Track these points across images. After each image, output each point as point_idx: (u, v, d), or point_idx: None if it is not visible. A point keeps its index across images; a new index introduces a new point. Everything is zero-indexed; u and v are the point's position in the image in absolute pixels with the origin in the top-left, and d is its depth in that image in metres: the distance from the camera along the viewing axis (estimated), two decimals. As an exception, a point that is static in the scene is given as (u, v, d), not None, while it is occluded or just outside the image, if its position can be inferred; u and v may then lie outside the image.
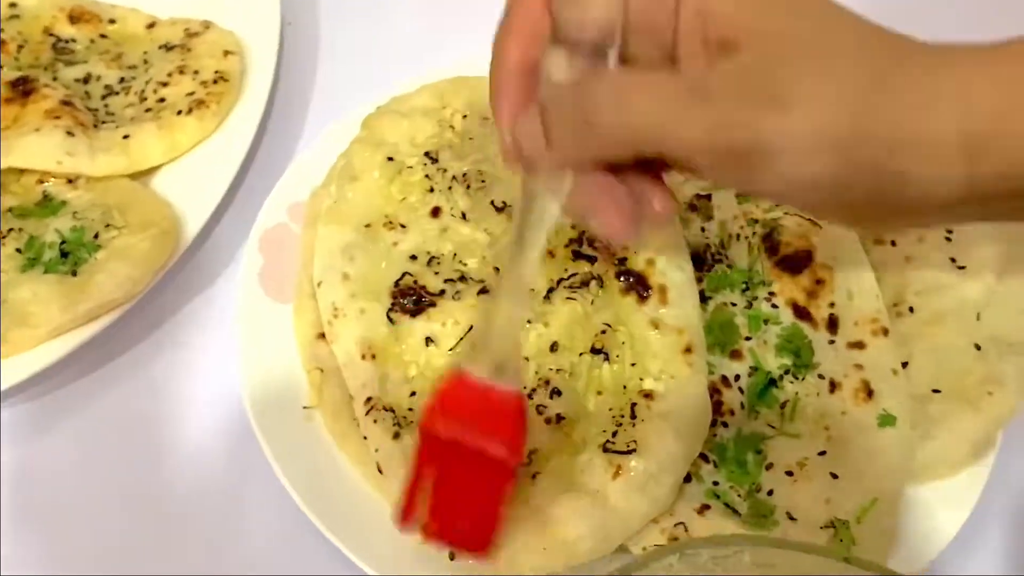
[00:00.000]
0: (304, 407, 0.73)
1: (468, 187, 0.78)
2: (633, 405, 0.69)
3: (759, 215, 0.78)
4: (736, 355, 0.73)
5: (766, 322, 0.74)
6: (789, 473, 0.69)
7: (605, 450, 0.67)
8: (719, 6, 0.50)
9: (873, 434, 0.70)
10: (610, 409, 0.70)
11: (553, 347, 0.72)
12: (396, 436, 0.68)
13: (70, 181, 0.83)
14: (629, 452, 0.66)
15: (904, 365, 0.73)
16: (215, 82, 0.86)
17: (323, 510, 0.68)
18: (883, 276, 0.76)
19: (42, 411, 0.79)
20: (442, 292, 0.74)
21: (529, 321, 0.72)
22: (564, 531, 0.65)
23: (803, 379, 0.72)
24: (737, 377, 0.72)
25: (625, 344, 0.72)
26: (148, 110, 0.86)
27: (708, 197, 0.79)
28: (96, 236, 0.79)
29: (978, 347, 0.72)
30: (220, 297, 0.83)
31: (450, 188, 0.78)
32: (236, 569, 0.72)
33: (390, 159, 0.80)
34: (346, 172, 0.80)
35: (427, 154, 0.80)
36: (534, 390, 0.71)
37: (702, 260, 0.76)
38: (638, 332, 0.72)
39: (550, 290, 0.73)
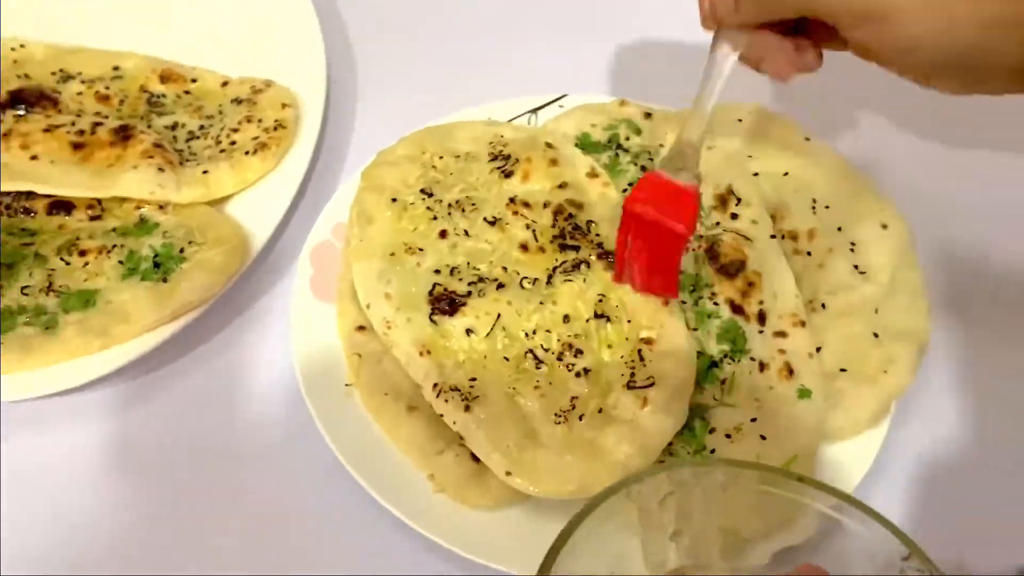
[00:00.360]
0: (345, 384, 0.81)
1: (463, 211, 0.86)
2: (639, 351, 0.78)
3: (703, 232, 0.85)
4: None
5: (709, 316, 0.82)
6: (728, 436, 0.77)
7: (629, 387, 0.76)
8: None
9: (793, 404, 0.78)
10: (622, 357, 0.78)
11: (565, 319, 0.79)
12: (467, 409, 0.75)
13: (161, 207, 0.91)
14: (649, 386, 0.76)
15: (818, 350, 0.80)
16: (275, 129, 0.94)
17: (358, 464, 0.76)
18: (801, 279, 0.83)
19: (137, 391, 0.86)
20: (468, 293, 0.81)
21: (541, 302, 0.80)
22: (616, 454, 0.73)
23: (738, 361, 0.80)
24: None
25: (618, 307, 0.80)
26: (222, 151, 0.93)
27: None
28: (182, 251, 0.87)
29: (876, 335, 0.79)
30: (278, 299, 0.91)
31: (449, 213, 0.85)
32: (287, 508, 0.80)
33: (394, 200, 0.87)
34: (362, 216, 0.86)
35: (422, 191, 0.87)
36: (561, 353, 0.78)
37: None
38: (625, 297, 0.80)
39: (550, 277, 0.81)
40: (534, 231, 0.85)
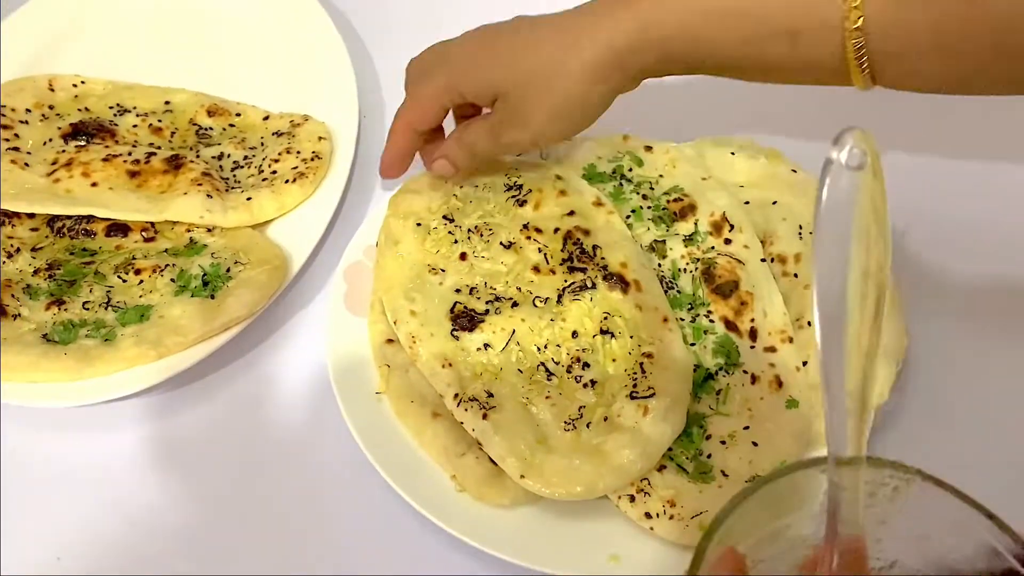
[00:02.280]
0: (376, 392, 0.85)
1: (481, 235, 0.90)
2: (640, 364, 0.82)
3: (699, 255, 0.90)
4: None
5: (705, 332, 0.86)
6: (723, 442, 0.80)
7: (632, 398, 0.79)
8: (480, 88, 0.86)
9: (782, 413, 0.81)
10: (625, 370, 0.82)
11: (573, 334, 0.84)
12: (484, 417, 0.79)
13: (209, 230, 0.95)
14: (650, 396, 0.79)
15: (804, 364, 0.83)
16: (312, 159, 0.98)
17: (388, 465, 0.80)
18: (789, 299, 0.87)
19: (186, 396, 0.90)
20: (486, 312, 0.85)
21: (552, 319, 0.84)
22: (619, 458, 0.76)
23: (732, 374, 0.83)
24: None
25: (621, 323, 0.84)
26: (265, 179, 0.98)
27: (663, 242, 0.91)
28: (228, 270, 0.90)
29: None
30: (314, 313, 0.95)
31: (468, 238, 0.90)
32: (318, 506, 0.83)
33: (418, 224, 0.92)
34: (389, 240, 0.92)
35: (444, 217, 0.93)
36: (570, 366, 0.83)
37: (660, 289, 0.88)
38: (628, 314, 0.84)
39: (560, 296, 0.86)
40: (545, 254, 0.90)
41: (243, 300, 0.89)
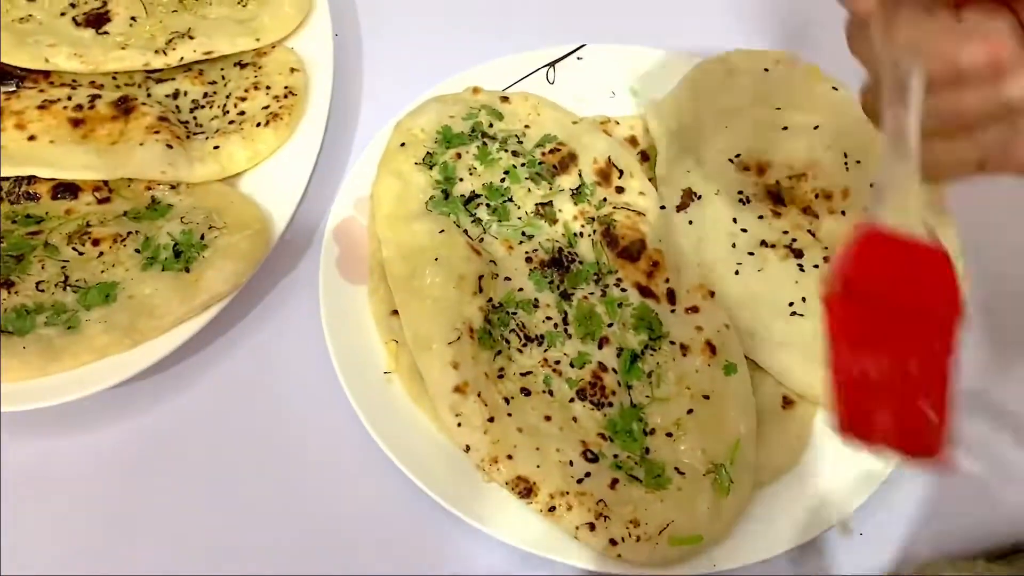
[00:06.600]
0: (385, 372, 0.78)
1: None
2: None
3: (594, 213, 0.82)
4: (605, 342, 0.78)
5: (620, 305, 0.79)
6: (669, 434, 0.75)
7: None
8: None
9: (724, 383, 0.76)
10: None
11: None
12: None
13: (173, 187, 0.85)
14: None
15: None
16: (285, 96, 0.88)
17: (402, 453, 0.73)
18: (837, 242, 0.79)
19: (164, 382, 0.81)
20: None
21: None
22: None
23: (660, 349, 0.78)
24: (609, 361, 0.77)
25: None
26: (231, 122, 0.87)
27: (550, 203, 0.83)
28: (202, 237, 0.81)
29: None
30: (302, 277, 0.86)
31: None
32: (325, 488, 0.77)
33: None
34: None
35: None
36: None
37: (560, 262, 0.80)
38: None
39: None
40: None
41: (224, 273, 0.80)
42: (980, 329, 0.84)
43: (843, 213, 0.81)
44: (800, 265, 0.80)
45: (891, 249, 0.48)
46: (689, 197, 0.84)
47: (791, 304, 0.79)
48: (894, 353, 0.47)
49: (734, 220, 0.82)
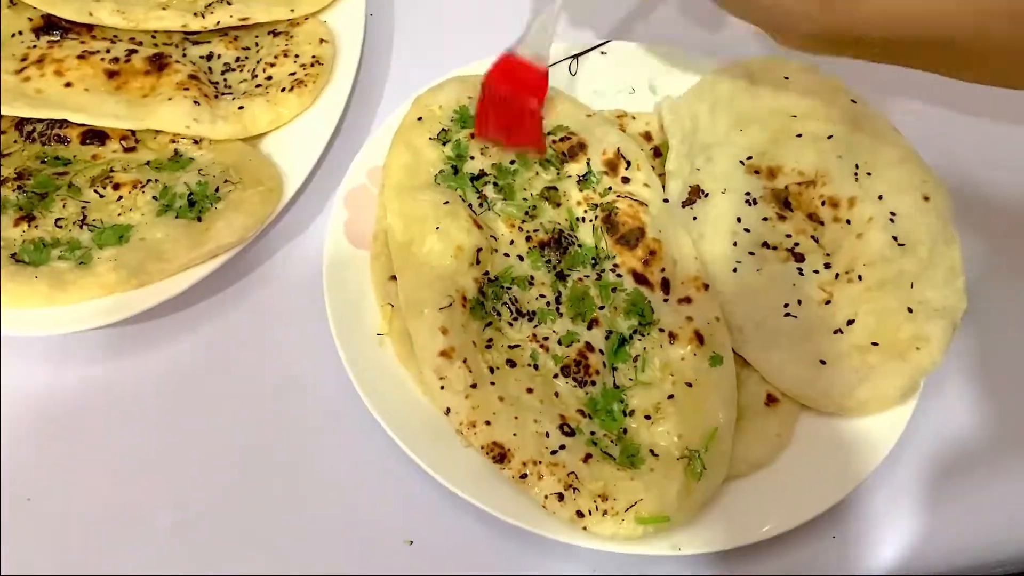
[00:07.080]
0: (378, 334, 0.79)
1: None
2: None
3: (598, 200, 0.83)
4: (595, 323, 0.78)
5: (614, 290, 0.80)
6: (647, 416, 0.75)
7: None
8: None
9: (707, 373, 0.76)
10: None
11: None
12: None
13: (196, 142, 0.87)
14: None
15: (850, 323, 0.77)
16: (312, 65, 0.89)
17: (387, 413, 0.74)
18: (840, 248, 0.80)
19: (170, 327, 0.84)
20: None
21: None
22: None
23: (648, 335, 0.78)
24: (597, 342, 0.78)
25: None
26: (259, 86, 0.89)
27: (555, 188, 0.84)
28: (217, 190, 0.83)
29: (910, 310, 0.76)
30: (310, 240, 0.88)
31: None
32: (310, 452, 0.79)
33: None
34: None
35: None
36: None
37: (559, 244, 0.81)
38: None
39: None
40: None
41: (233, 225, 0.82)
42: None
43: (848, 222, 0.81)
44: (800, 269, 0.80)
45: (516, 67, 0.83)
46: (696, 193, 0.84)
47: (786, 305, 0.79)
48: (512, 109, 0.83)
49: (738, 219, 0.82)
